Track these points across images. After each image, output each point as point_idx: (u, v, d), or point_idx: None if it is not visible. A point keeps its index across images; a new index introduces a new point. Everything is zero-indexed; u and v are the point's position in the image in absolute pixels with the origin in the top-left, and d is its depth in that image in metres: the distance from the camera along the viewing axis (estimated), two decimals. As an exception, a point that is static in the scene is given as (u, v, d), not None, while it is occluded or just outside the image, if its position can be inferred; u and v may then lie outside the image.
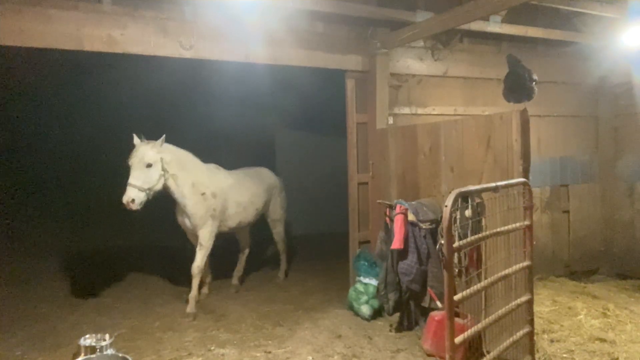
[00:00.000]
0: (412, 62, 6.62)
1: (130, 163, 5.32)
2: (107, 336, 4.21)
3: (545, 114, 7.26)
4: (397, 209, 5.02)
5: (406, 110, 6.54)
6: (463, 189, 3.23)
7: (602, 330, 4.92)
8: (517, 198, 3.86)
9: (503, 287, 4.04)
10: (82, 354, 4.01)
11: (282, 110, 9.98)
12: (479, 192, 4.00)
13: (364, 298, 5.57)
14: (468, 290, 3.28)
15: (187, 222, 5.90)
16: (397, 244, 4.88)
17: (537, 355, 4.22)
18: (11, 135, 12.64)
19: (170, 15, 5.19)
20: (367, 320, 5.45)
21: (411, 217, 4.97)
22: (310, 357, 4.57)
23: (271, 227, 7.29)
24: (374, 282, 5.59)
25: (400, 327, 5.16)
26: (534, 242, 3.85)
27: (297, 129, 10.70)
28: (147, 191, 5.32)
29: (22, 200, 12.71)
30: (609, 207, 7.80)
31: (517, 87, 5.50)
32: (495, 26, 6.36)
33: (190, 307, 5.67)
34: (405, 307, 5.17)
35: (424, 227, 4.92)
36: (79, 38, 4.78)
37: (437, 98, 6.79)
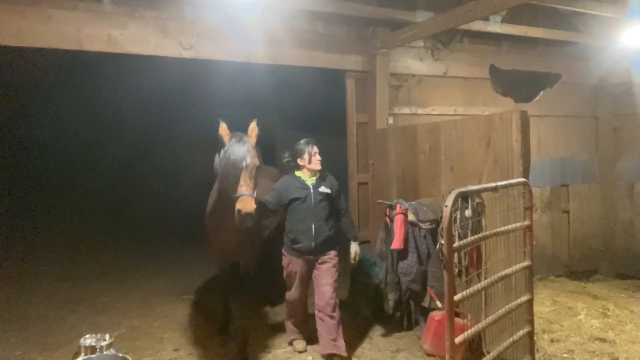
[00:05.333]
0: (412, 62, 6.62)
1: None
2: (107, 336, 4.21)
3: (545, 114, 7.26)
4: (397, 209, 5.02)
5: (406, 110, 6.55)
6: (463, 189, 3.23)
7: (602, 330, 4.92)
8: (517, 198, 3.85)
9: (503, 287, 4.03)
10: (82, 354, 4.01)
11: (282, 110, 9.98)
12: (479, 192, 4.00)
13: (364, 298, 5.56)
14: (468, 290, 3.28)
15: None
16: (397, 244, 4.88)
17: (537, 355, 4.22)
18: (11, 135, 12.65)
19: (170, 15, 5.19)
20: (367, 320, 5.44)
21: (411, 217, 4.97)
22: (310, 357, 4.57)
23: None
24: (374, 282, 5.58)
25: (400, 327, 5.16)
26: (534, 242, 3.85)
27: (297, 129, 10.69)
28: None
29: (22, 200, 12.72)
30: (609, 207, 7.81)
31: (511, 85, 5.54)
32: (495, 26, 6.37)
33: None
34: (405, 307, 5.16)
35: (424, 227, 4.92)
36: (79, 38, 4.78)
37: (437, 98, 6.79)
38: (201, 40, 5.32)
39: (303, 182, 4.41)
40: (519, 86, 5.51)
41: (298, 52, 5.87)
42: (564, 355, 4.44)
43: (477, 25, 6.14)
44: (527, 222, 3.78)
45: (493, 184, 3.54)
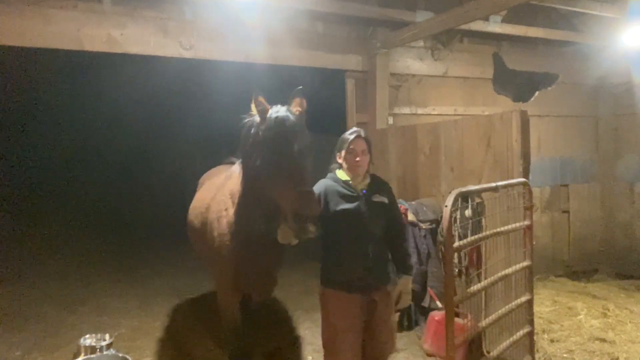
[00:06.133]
0: (412, 62, 6.62)
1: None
2: (107, 336, 4.22)
3: (545, 114, 7.26)
4: (397, 209, 5.01)
5: (406, 110, 6.54)
6: (463, 189, 3.23)
7: (602, 330, 4.92)
8: (517, 198, 3.85)
9: (503, 287, 4.03)
10: (82, 354, 4.01)
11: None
12: (479, 192, 4.00)
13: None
14: (468, 290, 3.28)
15: None
16: (397, 244, 4.87)
17: (537, 355, 4.22)
18: (11, 135, 12.64)
19: (170, 15, 5.19)
20: (367, 320, 5.44)
21: (411, 217, 4.97)
22: (310, 357, 4.57)
23: None
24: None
25: (400, 327, 5.16)
26: (534, 242, 3.85)
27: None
28: None
29: (21, 200, 12.71)
30: (609, 207, 7.81)
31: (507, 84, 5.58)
32: (495, 26, 6.36)
33: None
34: (405, 307, 5.16)
35: (424, 227, 4.92)
36: (79, 38, 4.78)
37: (437, 98, 6.78)
38: (201, 40, 5.31)
39: (350, 188, 3.06)
40: (516, 85, 5.54)
41: (298, 52, 5.86)
42: (564, 355, 4.44)
43: (477, 25, 6.14)
44: (527, 222, 3.78)
45: (493, 184, 3.54)
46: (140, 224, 11.14)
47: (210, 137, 11.28)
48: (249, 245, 3.15)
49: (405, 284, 3.12)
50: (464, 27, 5.94)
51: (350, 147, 3.09)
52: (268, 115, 2.81)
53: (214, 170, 4.84)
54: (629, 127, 7.55)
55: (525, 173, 4.22)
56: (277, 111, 2.82)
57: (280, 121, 2.74)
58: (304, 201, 2.51)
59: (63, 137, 12.99)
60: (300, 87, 3.05)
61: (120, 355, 3.89)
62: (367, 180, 3.15)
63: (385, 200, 3.15)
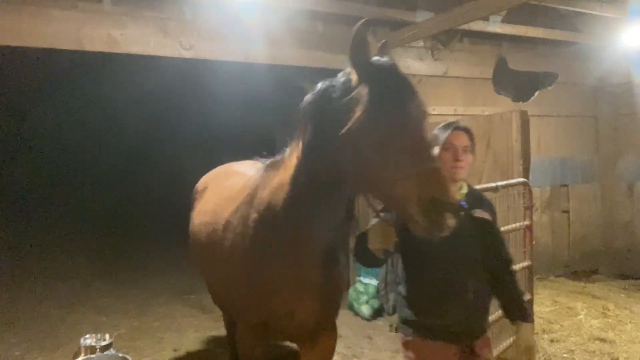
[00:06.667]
0: (412, 62, 6.62)
1: None
2: (107, 336, 4.21)
3: (545, 114, 7.26)
4: (397, 209, 5.00)
5: (406, 110, 6.53)
6: (463, 189, 3.23)
7: (602, 330, 4.93)
8: (517, 198, 3.85)
9: (503, 287, 4.03)
10: (82, 354, 4.01)
11: (282, 110, 9.96)
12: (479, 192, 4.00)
13: (364, 298, 5.57)
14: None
15: None
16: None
17: (537, 355, 4.21)
18: (10, 135, 12.64)
19: (170, 15, 5.19)
20: (367, 320, 5.45)
21: (411, 217, 4.96)
22: None
23: None
24: (374, 282, 5.58)
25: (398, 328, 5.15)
26: (534, 242, 3.85)
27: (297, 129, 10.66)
28: None
29: (22, 201, 12.71)
30: (609, 207, 7.81)
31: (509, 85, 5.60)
32: (495, 26, 6.36)
33: None
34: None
35: (424, 227, 4.90)
36: (79, 38, 4.78)
37: (437, 98, 6.77)
38: (201, 40, 5.31)
39: None
40: (516, 85, 5.56)
41: (298, 52, 5.86)
42: (564, 355, 4.44)
43: (477, 25, 6.13)
44: (527, 222, 3.78)
45: (493, 184, 3.54)
46: (139, 223, 11.14)
47: (211, 137, 11.28)
48: (296, 271, 2.35)
49: (526, 335, 2.34)
50: (464, 27, 5.94)
51: (449, 142, 2.33)
52: (377, 65, 2.00)
53: (215, 172, 3.94)
54: (629, 127, 7.55)
55: (525, 173, 4.22)
56: (385, 61, 2.02)
57: (397, 72, 1.96)
58: (440, 182, 1.74)
59: (63, 137, 12.99)
60: (385, 40, 2.31)
61: (120, 355, 3.89)
62: (465, 189, 2.37)
63: (488, 217, 2.38)
